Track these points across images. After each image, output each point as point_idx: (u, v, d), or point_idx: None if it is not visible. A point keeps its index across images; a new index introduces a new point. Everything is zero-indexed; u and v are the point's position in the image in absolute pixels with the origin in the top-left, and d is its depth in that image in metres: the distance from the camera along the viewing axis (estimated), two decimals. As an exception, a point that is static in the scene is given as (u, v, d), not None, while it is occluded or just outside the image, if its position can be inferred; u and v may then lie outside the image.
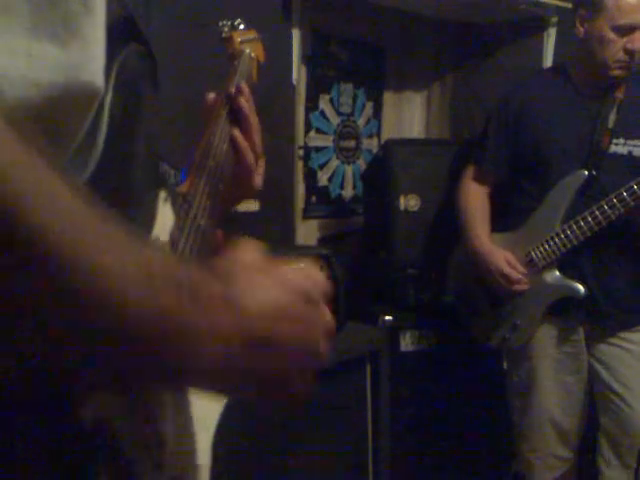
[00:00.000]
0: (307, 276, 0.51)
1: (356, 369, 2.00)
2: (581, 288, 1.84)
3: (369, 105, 2.75)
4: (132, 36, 0.59)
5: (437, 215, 2.29)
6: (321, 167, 2.57)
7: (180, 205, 0.69)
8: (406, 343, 2.23)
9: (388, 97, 2.83)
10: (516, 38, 2.59)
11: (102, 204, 0.40)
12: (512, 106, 1.99)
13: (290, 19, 2.25)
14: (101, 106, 0.50)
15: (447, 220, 2.27)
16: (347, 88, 2.63)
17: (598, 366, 1.92)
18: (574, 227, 1.82)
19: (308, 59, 2.45)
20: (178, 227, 0.67)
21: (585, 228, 1.81)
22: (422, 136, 2.94)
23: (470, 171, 2.07)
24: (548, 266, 1.89)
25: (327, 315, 0.51)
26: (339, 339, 1.94)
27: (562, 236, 1.84)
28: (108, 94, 0.51)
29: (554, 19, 2.46)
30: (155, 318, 0.40)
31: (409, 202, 2.26)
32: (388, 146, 2.33)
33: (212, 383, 0.48)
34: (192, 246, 0.67)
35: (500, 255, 1.93)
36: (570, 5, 2.36)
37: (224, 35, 0.97)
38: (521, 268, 1.91)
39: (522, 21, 2.53)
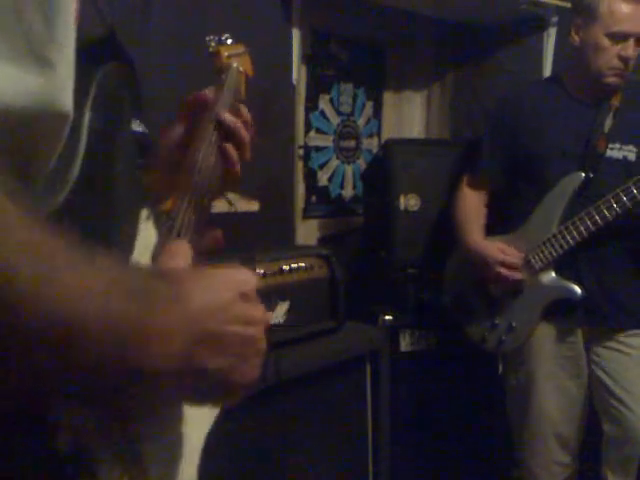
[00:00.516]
0: (241, 275, 0.54)
1: (356, 369, 2.00)
2: (578, 289, 1.84)
3: (369, 105, 2.75)
4: (112, 54, 0.59)
5: (437, 215, 2.29)
6: (321, 167, 2.57)
7: (163, 222, 0.69)
8: (406, 343, 2.23)
9: (388, 97, 2.83)
10: (516, 38, 2.59)
11: (51, 225, 0.40)
12: (507, 114, 2.01)
13: (290, 19, 2.25)
14: (78, 127, 0.50)
15: (447, 220, 2.27)
16: (347, 88, 2.63)
17: (598, 371, 1.91)
18: (571, 228, 1.82)
19: (308, 59, 2.45)
20: (161, 244, 0.67)
21: (582, 228, 1.81)
22: (422, 136, 2.94)
23: (466, 179, 2.09)
24: (545, 267, 1.89)
25: (263, 310, 0.54)
26: (339, 339, 1.94)
27: (559, 237, 1.85)
28: (85, 114, 0.52)
29: (554, 19, 2.46)
30: (108, 327, 0.42)
31: (409, 202, 2.26)
32: (388, 146, 2.33)
33: (171, 387, 0.49)
34: None
35: (493, 246, 1.94)
36: (570, 5, 2.37)
37: (211, 50, 0.97)
38: (516, 253, 1.91)
39: (522, 21, 2.53)
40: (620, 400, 1.86)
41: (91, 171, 0.51)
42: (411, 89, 2.91)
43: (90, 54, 0.48)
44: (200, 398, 0.53)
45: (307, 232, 2.51)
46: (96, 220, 0.55)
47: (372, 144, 2.76)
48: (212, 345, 0.48)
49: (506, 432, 2.12)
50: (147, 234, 0.67)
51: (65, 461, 0.46)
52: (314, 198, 2.55)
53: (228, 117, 0.85)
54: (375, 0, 2.42)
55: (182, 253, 0.58)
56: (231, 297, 0.51)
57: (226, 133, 0.85)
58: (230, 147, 0.86)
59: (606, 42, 1.80)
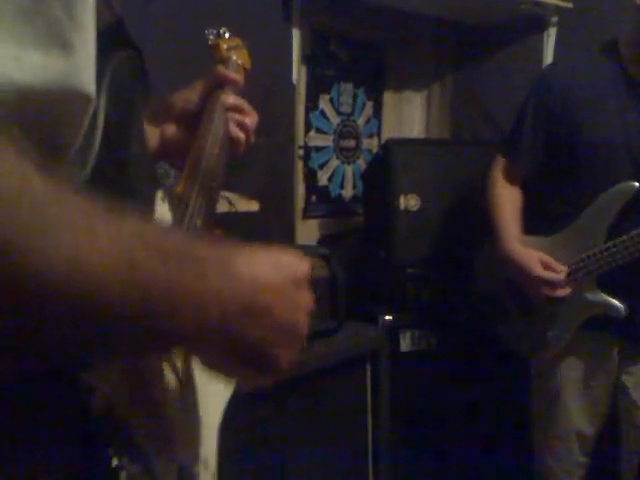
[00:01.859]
0: (296, 260, 0.55)
1: (356, 369, 2.00)
2: (622, 307, 1.70)
3: (369, 105, 2.75)
4: (122, 42, 0.60)
5: (437, 215, 2.29)
6: (321, 167, 2.57)
7: (177, 205, 0.71)
8: (406, 343, 2.23)
9: (388, 97, 2.83)
10: (516, 38, 2.59)
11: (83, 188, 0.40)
12: (553, 92, 1.75)
13: (290, 19, 2.24)
14: (95, 112, 0.51)
15: (447, 220, 2.28)
16: (347, 88, 2.63)
17: (629, 384, 1.81)
18: (620, 247, 1.66)
19: (308, 59, 2.45)
20: (175, 225, 0.69)
21: (633, 249, 1.64)
22: (422, 136, 2.93)
23: (500, 164, 1.88)
24: (588, 281, 1.73)
25: (310, 299, 0.55)
26: (339, 339, 1.94)
27: (606, 254, 1.68)
28: (102, 100, 0.52)
29: (554, 19, 2.46)
30: (143, 286, 0.41)
31: (409, 202, 2.26)
32: (388, 146, 2.33)
33: (208, 351, 0.51)
34: None
35: (535, 258, 1.74)
36: (570, 5, 2.37)
37: (210, 43, 1.00)
38: (560, 267, 1.73)
39: (522, 21, 2.53)
40: None
41: (108, 155, 0.52)
42: (411, 89, 2.91)
43: (101, 42, 0.48)
44: (233, 367, 0.53)
45: (307, 232, 2.51)
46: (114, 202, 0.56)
47: (372, 144, 2.76)
48: (255, 318, 0.49)
49: (507, 431, 2.12)
50: (163, 215, 0.69)
51: (97, 421, 0.47)
52: (314, 198, 2.55)
53: (234, 99, 0.91)
54: (375, 0, 2.42)
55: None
56: (283, 278, 0.52)
57: (232, 116, 0.90)
58: (236, 131, 0.90)
59: None
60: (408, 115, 2.92)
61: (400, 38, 2.76)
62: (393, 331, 2.19)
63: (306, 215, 2.52)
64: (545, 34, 2.48)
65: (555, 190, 1.81)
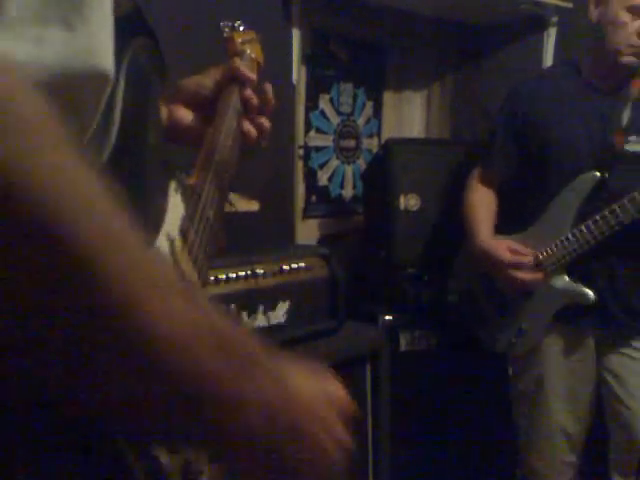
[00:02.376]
0: (343, 393, 0.54)
1: (356, 369, 2.00)
2: (591, 294, 1.77)
3: (369, 105, 2.74)
4: (140, 29, 0.60)
5: (437, 215, 2.29)
6: (321, 167, 2.57)
7: (190, 196, 0.71)
8: (406, 343, 2.23)
9: (388, 97, 2.83)
10: (516, 38, 2.59)
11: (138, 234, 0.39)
12: (521, 103, 1.92)
13: (290, 19, 2.24)
14: (113, 96, 0.50)
15: (447, 220, 2.27)
16: (347, 88, 2.63)
17: (608, 376, 1.87)
18: (585, 231, 1.75)
19: (308, 59, 2.45)
20: (188, 217, 0.69)
21: (596, 232, 1.73)
22: (422, 136, 2.93)
23: (477, 173, 2.02)
24: (557, 270, 1.82)
25: (348, 437, 0.53)
26: (339, 339, 1.94)
27: (573, 240, 1.77)
28: (120, 86, 0.52)
29: (554, 19, 2.46)
30: (207, 381, 0.41)
31: (409, 202, 2.26)
32: (388, 146, 2.33)
33: (241, 453, 0.48)
34: (202, 237, 0.69)
35: (503, 245, 1.86)
36: (570, 5, 2.37)
37: (225, 35, 1.00)
38: (527, 252, 1.83)
39: (522, 21, 2.53)
40: (628, 407, 1.82)
41: (125, 141, 0.52)
42: (411, 89, 2.91)
43: (121, 28, 0.48)
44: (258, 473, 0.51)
45: (307, 232, 2.51)
46: (130, 191, 0.55)
47: (372, 144, 2.76)
48: (296, 439, 0.47)
49: (507, 431, 2.12)
50: (176, 206, 0.68)
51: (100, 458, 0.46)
52: (314, 198, 2.55)
53: (250, 93, 0.91)
54: (375, 0, 2.42)
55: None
56: (329, 407, 0.51)
57: (247, 110, 0.89)
58: (249, 125, 0.90)
59: (625, 16, 1.71)
60: (408, 115, 2.92)
61: (400, 38, 2.75)
62: (393, 331, 2.19)
63: (306, 215, 2.52)
64: (545, 34, 2.48)
65: (528, 192, 1.92)
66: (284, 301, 1.77)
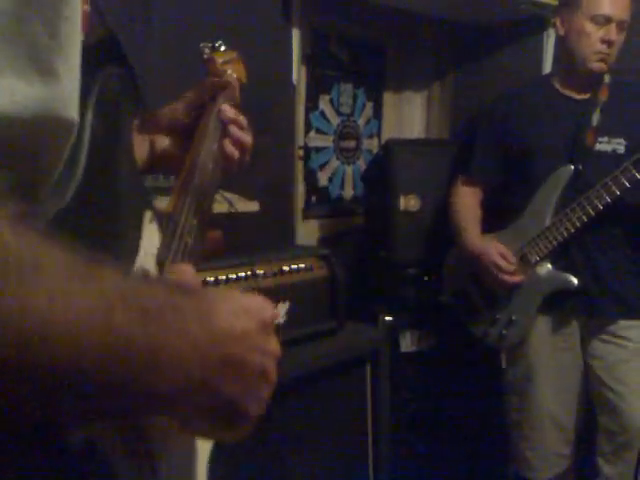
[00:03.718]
0: (263, 305, 0.53)
1: (356, 369, 2.00)
2: (574, 279, 1.87)
3: (369, 105, 2.75)
4: (113, 57, 0.59)
5: (437, 215, 2.29)
6: (321, 167, 2.57)
7: (166, 225, 0.70)
8: (406, 343, 2.23)
9: (388, 97, 2.83)
10: (516, 38, 2.59)
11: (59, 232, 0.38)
12: (497, 114, 2.05)
13: (290, 19, 2.24)
14: (80, 131, 0.49)
15: (447, 220, 2.28)
16: (347, 88, 2.63)
17: (594, 363, 1.94)
18: (564, 220, 1.86)
19: (308, 59, 2.45)
20: (165, 246, 0.67)
21: (574, 219, 1.84)
22: (422, 136, 2.94)
23: (460, 179, 2.13)
24: (541, 260, 1.93)
25: (277, 345, 0.54)
26: (339, 339, 1.94)
27: (552, 229, 1.88)
28: (88, 116, 0.51)
29: (554, 19, 2.46)
30: (122, 349, 0.40)
31: (409, 202, 2.26)
32: (388, 146, 2.34)
33: (186, 411, 0.48)
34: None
35: (491, 248, 1.96)
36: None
37: (205, 57, 0.98)
38: (512, 257, 1.94)
39: (522, 21, 2.53)
40: (614, 391, 1.88)
41: (94, 174, 0.51)
42: (411, 89, 2.91)
43: (91, 57, 0.47)
44: (207, 426, 0.52)
45: (307, 232, 2.51)
46: (101, 223, 0.54)
47: (372, 144, 2.76)
48: (232, 370, 0.48)
49: (507, 432, 2.12)
50: (151, 237, 0.67)
51: (81, 457, 0.46)
52: (314, 198, 2.55)
53: (233, 113, 0.87)
54: (375, 0, 2.42)
55: (190, 272, 0.58)
56: (254, 325, 0.51)
57: (227, 130, 0.87)
58: (230, 146, 0.87)
59: (589, 27, 1.86)
60: (408, 115, 2.92)
61: (400, 38, 2.76)
62: (393, 331, 2.19)
63: (306, 215, 2.52)
64: (545, 34, 2.48)
65: (510, 191, 2.03)
66: (284, 301, 1.77)
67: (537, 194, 1.93)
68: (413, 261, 2.29)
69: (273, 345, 0.53)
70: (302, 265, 1.84)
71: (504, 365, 2.12)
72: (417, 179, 2.27)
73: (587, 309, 1.91)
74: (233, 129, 0.88)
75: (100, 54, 0.51)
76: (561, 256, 1.91)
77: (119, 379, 0.40)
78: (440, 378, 2.27)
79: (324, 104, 2.55)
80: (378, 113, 2.79)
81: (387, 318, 2.18)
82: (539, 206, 1.93)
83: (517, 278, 1.94)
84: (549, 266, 1.92)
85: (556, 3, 2.36)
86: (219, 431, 0.53)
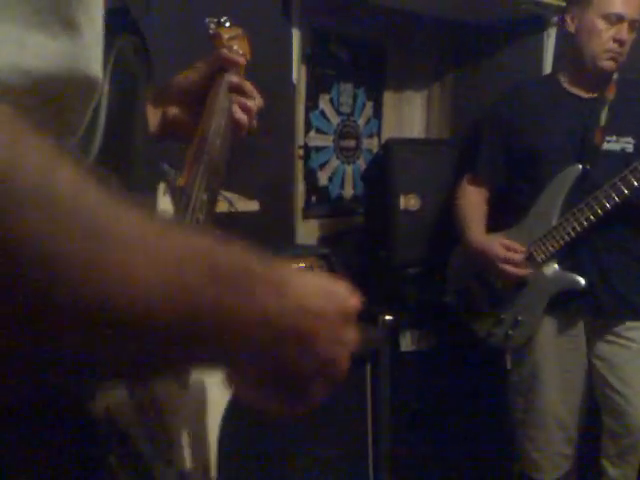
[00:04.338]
0: (348, 294, 0.52)
1: (356, 369, 2.00)
2: (581, 280, 1.85)
3: (369, 105, 2.74)
4: (127, 27, 0.59)
5: (437, 215, 2.29)
6: (321, 167, 2.57)
7: (179, 198, 0.70)
8: (406, 343, 2.23)
9: (388, 97, 2.83)
10: (516, 38, 2.59)
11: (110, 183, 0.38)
12: (504, 112, 2.04)
13: (290, 19, 2.24)
14: (98, 97, 0.49)
15: (447, 220, 2.27)
16: (347, 88, 2.63)
17: (599, 364, 1.93)
18: (571, 219, 1.84)
19: (308, 59, 2.45)
20: (178, 219, 0.67)
21: (582, 219, 1.82)
22: (422, 136, 2.94)
23: (466, 177, 2.11)
24: (547, 260, 1.90)
25: (356, 337, 0.52)
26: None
27: (559, 229, 1.86)
28: (105, 85, 0.51)
29: (554, 19, 2.46)
30: (190, 305, 0.39)
31: (409, 202, 2.26)
32: (388, 146, 2.33)
33: (246, 372, 0.48)
34: None
35: (495, 242, 1.94)
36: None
37: (211, 32, 0.99)
38: (519, 247, 1.91)
39: (522, 21, 2.53)
40: (619, 393, 1.88)
41: (112, 143, 0.51)
42: (411, 89, 2.91)
43: (106, 25, 0.46)
44: (268, 395, 0.51)
45: (307, 232, 2.51)
46: (118, 193, 0.55)
47: (372, 144, 2.76)
48: (301, 343, 0.46)
49: (508, 432, 2.12)
50: (165, 209, 0.67)
51: (99, 427, 0.45)
52: (314, 198, 2.55)
53: (238, 80, 0.91)
54: (375, 0, 2.42)
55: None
56: (333, 309, 0.49)
57: (236, 98, 0.89)
58: (240, 112, 0.90)
59: (601, 25, 1.83)
60: (408, 115, 2.92)
61: (400, 38, 2.76)
62: (393, 331, 2.19)
63: (306, 215, 2.51)
64: (545, 34, 2.48)
65: (516, 190, 2.01)
66: (284, 301, 1.77)
67: (544, 194, 1.91)
68: (413, 261, 2.29)
69: (349, 335, 0.51)
70: (302, 265, 1.84)
71: (509, 366, 2.11)
72: (417, 179, 2.27)
73: (593, 310, 1.89)
74: (240, 97, 0.91)
75: (114, 23, 0.51)
76: (568, 256, 1.88)
77: (185, 329, 0.40)
78: (440, 378, 2.27)
79: (324, 104, 2.55)
80: (378, 113, 2.79)
81: (387, 318, 2.18)
82: (546, 206, 1.91)
83: (523, 271, 1.91)
84: (556, 266, 1.90)
85: (556, 3, 2.36)
86: (274, 401, 0.51)
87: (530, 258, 1.92)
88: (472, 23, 2.70)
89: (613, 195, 1.77)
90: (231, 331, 0.42)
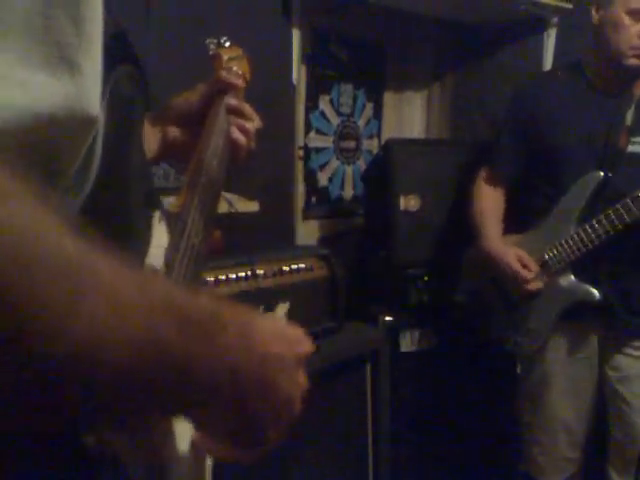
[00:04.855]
0: (299, 336, 0.55)
1: (356, 369, 2.00)
2: (596, 292, 1.79)
3: (369, 105, 2.74)
4: (123, 55, 0.59)
5: (437, 215, 2.29)
6: (321, 168, 2.57)
7: (174, 224, 0.70)
8: (406, 343, 2.23)
9: (388, 97, 2.83)
10: (516, 38, 2.59)
11: (92, 233, 0.38)
12: (525, 105, 1.95)
13: (290, 19, 2.24)
14: (95, 131, 0.50)
15: (447, 220, 2.28)
16: (347, 88, 2.63)
17: (612, 375, 1.89)
18: (589, 230, 1.77)
19: (308, 59, 2.45)
20: (173, 247, 0.67)
21: (600, 231, 1.75)
22: (422, 136, 2.94)
23: (484, 173, 2.04)
24: (562, 270, 1.85)
25: (305, 379, 0.55)
26: (339, 339, 1.94)
27: (577, 239, 1.79)
28: (101, 118, 0.51)
29: (554, 19, 2.46)
30: (157, 352, 0.40)
31: (409, 202, 2.26)
32: (388, 146, 2.33)
33: (211, 414, 0.49)
34: (187, 266, 0.68)
35: (512, 253, 1.88)
36: (570, 5, 2.37)
37: (211, 52, 0.99)
38: (534, 265, 1.86)
39: (522, 21, 2.53)
40: (629, 404, 1.85)
41: (108, 173, 0.52)
42: (411, 89, 2.91)
43: (104, 55, 0.47)
44: (223, 440, 0.53)
45: (307, 232, 2.51)
46: (114, 222, 0.55)
47: (372, 145, 2.76)
48: (262, 389, 0.49)
49: (507, 432, 2.12)
50: (160, 236, 0.67)
51: (92, 459, 0.46)
52: (314, 199, 2.55)
53: (236, 102, 0.91)
54: (375, 0, 2.42)
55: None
56: (291, 353, 0.52)
57: (234, 120, 0.90)
58: (237, 133, 0.91)
59: (626, 20, 1.75)
60: (408, 115, 2.92)
61: (400, 38, 2.76)
62: (393, 331, 2.19)
63: (306, 216, 2.51)
64: (545, 34, 2.48)
65: (534, 191, 1.94)
66: (284, 302, 1.77)
67: (563, 199, 1.83)
68: (413, 261, 2.29)
69: (301, 377, 0.54)
70: (302, 265, 1.84)
71: (519, 370, 2.08)
72: (417, 179, 2.27)
73: (607, 322, 1.84)
74: (238, 118, 0.91)
75: (112, 52, 0.51)
76: (584, 267, 1.81)
77: (153, 377, 0.41)
78: (440, 378, 2.26)
79: (324, 104, 2.55)
80: (378, 113, 2.79)
81: (387, 318, 2.18)
82: (564, 212, 1.83)
83: (536, 285, 1.86)
84: (571, 276, 1.84)
85: (556, 3, 2.36)
86: (233, 447, 0.54)
87: (545, 266, 1.87)
88: (472, 23, 2.70)
89: (634, 210, 1.70)
90: (198, 380, 0.43)
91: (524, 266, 1.87)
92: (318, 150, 2.55)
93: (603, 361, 1.90)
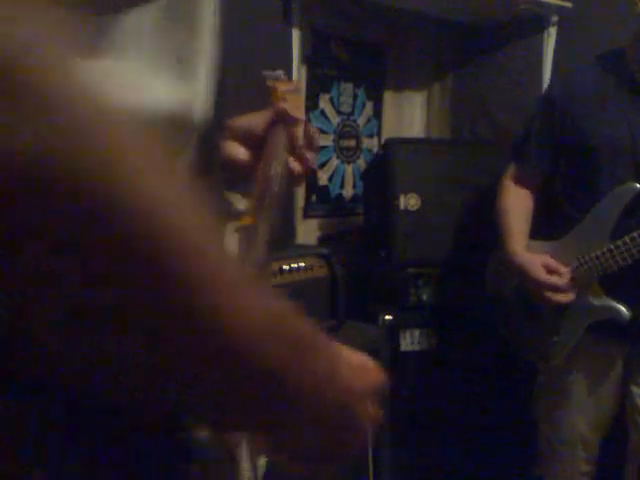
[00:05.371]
0: (379, 371, 0.60)
1: (356, 369, 2.00)
2: (625, 311, 1.69)
3: (369, 105, 2.74)
4: None
5: (437, 215, 2.29)
6: (321, 166, 2.57)
7: (244, 237, 0.74)
8: (406, 343, 2.23)
9: (388, 97, 2.83)
10: (516, 38, 2.59)
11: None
12: (557, 95, 1.79)
13: (290, 19, 2.25)
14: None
15: (447, 220, 2.28)
16: (347, 88, 2.63)
17: (635, 390, 1.81)
18: (622, 248, 1.65)
19: (308, 59, 2.45)
20: (240, 260, 0.71)
21: (634, 251, 1.63)
22: (422, 135, 2.94)
23: (511, 170, 1.89)
24: (592, 285, 1.74)
25: (379, 415, 0.58)
26: (339, 339, 1.94)
27: (608, 256, 1.68)
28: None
29: (554, 19, 2.46)
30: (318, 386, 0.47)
31: (409, 201, 2.26)
32: (388, 146, 2.33)
33: (290, 432, 0.51)
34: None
35: (537, 262, 1.75)
36: (570, 5, 2.37)
37: (269, 84, 1.03)
38: (564, 269, 1.73)
39: (522, 21, 2.53)
40: None
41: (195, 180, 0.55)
42: (411, 89, 2.91)
43: None
44: (295, 459, 0.55)
45: (307, 232, 2.51)
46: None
47: (372, 144, 2.76)
48: (341, 415, 0.51)
49: (506, 430, 2.12)
50: (231, 249, 0.71)
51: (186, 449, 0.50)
52: (314, 198, 2.55)
53: (297, 132, 0.95)
54: (375, 0, 2.42)
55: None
56: (370, 386, 0.56)
57: (293, 147, 0.94)
58: (294, 162, 0.94)
59: None
60: (408, 115, 2.92)
61: (400, 38, 2.76)
62: (393, 331, 2.19)
63: (306, 215, 2.52)
64: (545, 34, 2.48)
65: (565, 194, 1.81)
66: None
67: (595, 209, 1.69)
68: (413, 261, 2.29)
69: (375, 415, 0.56)
70: (302, 264, 1.84)
71: (541, 380, 1.99)
72: (417, 179, 2.27)
73: (635, 340, 1.75)
74: (299, 149, 0.95)
75: None
76: (614, 283, 1.70)
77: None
78: (441, 378, 2.26)
79: (324, 103, 2.55)
80: (378, 112, 2.79)
81: (387, 318, 2.18)
82: (596, 224, 1.70)
83: (565, 298, 1.73)
84: (603, 295, 1.73)
85: (556, 3, 2.36)
86: (299, 464, 0.56)
87: (573, 280, 1.74)
88: (472, 23, 2.70)
89: None
90: (287, 394, 0.46)
91: (552, 272, 1.74)
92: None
93: (627, 377, 1.82)
